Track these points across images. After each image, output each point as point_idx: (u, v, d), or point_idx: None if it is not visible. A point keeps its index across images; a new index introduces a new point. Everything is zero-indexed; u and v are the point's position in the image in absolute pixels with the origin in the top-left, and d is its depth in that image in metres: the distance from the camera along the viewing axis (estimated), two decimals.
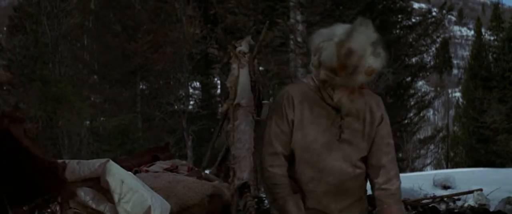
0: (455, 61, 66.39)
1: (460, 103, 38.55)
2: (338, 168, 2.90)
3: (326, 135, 2.90)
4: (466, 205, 9.08)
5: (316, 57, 2.87)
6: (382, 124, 2.99)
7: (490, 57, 35.60)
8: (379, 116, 2.99)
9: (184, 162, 6.97)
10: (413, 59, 37.59)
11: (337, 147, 2.90)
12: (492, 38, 36.13)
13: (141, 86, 28.62)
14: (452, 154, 36.25)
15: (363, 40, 2.73)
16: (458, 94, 49.24)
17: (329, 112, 2.90)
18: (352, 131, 2.92)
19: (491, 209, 8.79)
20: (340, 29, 2.84)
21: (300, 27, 24.08)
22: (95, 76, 31.18)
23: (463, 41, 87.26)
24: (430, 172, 20.71)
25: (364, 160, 2.99)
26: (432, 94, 41.05)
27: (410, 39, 37.07)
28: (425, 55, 39.00)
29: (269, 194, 3.00)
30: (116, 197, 3.40)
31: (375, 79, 26.68)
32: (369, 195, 3.06)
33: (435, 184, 12.14)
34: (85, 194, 3.46)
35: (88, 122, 25.90)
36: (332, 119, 2.90)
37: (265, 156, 2.98)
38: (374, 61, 2.74)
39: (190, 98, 30.40)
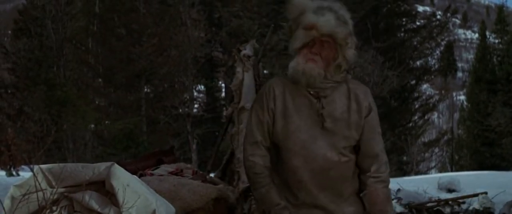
0: (459, 64, 66.13)
1: (465, 107, 38.45)
2: (322, 155, 2.89)
3: (309, 124, 2.91)
4: (471, 208, 9.08)
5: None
6: (371, 113, 2.97)
7: (495, 60, 35.51)
8: (366, 106, 2.96)
9: (189, 165, 6.98)
10: (418, 62, 37.62)
11: (321, 136, 2.90)
12: (496, 41, 36.01)
13: (145, 89, 28.66)
14: (456, 157, 36.18)
15: (303, 0, 2.91)
16: (462, 97, 49.18)
17: (311, 101, 2.92)
18: (334, 120, 2.91)
19: (496, 213, 8.78)
20: None
21: None
22: (100, 80, 31.23)
23: (468, 44, 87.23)
24: (434, 175, 20.69)
25: (354, 149, 2.97)
26: (437, 97, 41.07)
27: (415, 42, 37.10)
28: (429, 58, 39.06)
29: (251, 183, 3.03)
30: (121, 201, 3.40)
31: (380, 82, 26.67)
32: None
33: (440, 187, 12.12)
34: (90, 198, 3.47)
35: (92, 126, 25.97)
36: (314, 108, 2.92)
37: (246, 146, 3.02)
38: (313, 17, 2.85)
39: (195, 102, 30.48)
